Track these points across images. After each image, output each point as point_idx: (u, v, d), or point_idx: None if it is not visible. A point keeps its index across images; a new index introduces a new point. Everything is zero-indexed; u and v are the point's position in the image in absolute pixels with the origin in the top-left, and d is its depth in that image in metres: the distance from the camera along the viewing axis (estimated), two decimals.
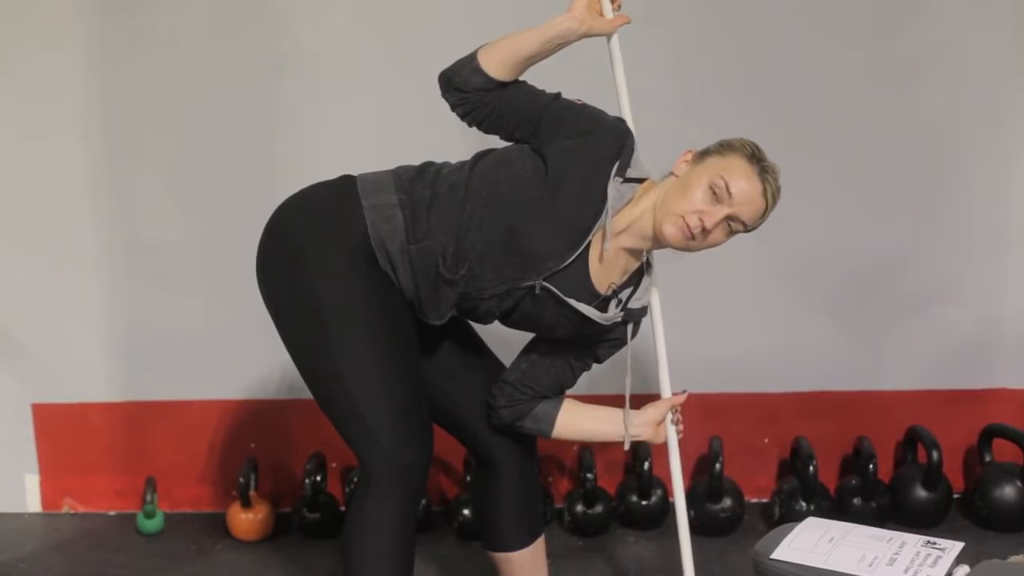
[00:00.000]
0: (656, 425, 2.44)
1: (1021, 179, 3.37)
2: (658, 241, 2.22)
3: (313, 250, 2.22)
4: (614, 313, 2.29)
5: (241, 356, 3.42)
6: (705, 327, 3.40)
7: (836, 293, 3.42)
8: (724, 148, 2.21)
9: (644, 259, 2.31)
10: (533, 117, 2.21)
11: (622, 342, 2.37)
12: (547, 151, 2.19)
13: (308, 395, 3.43)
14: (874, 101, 3.31)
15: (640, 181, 2.24)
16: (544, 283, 2.21)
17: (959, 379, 3.47)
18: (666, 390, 2.49)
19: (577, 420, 2.42)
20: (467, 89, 2.19)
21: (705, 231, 2.16)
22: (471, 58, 2.18)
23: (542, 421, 2.39)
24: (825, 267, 3.40)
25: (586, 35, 2.20)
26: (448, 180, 2.23)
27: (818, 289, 3.41)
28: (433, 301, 2.26)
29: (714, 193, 2.16)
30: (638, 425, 2.42)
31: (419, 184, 2.24)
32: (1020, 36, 3.28)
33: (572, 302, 2.23)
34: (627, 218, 2.22)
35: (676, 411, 2.47)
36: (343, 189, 2.27)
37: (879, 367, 3.46)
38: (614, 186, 2.18)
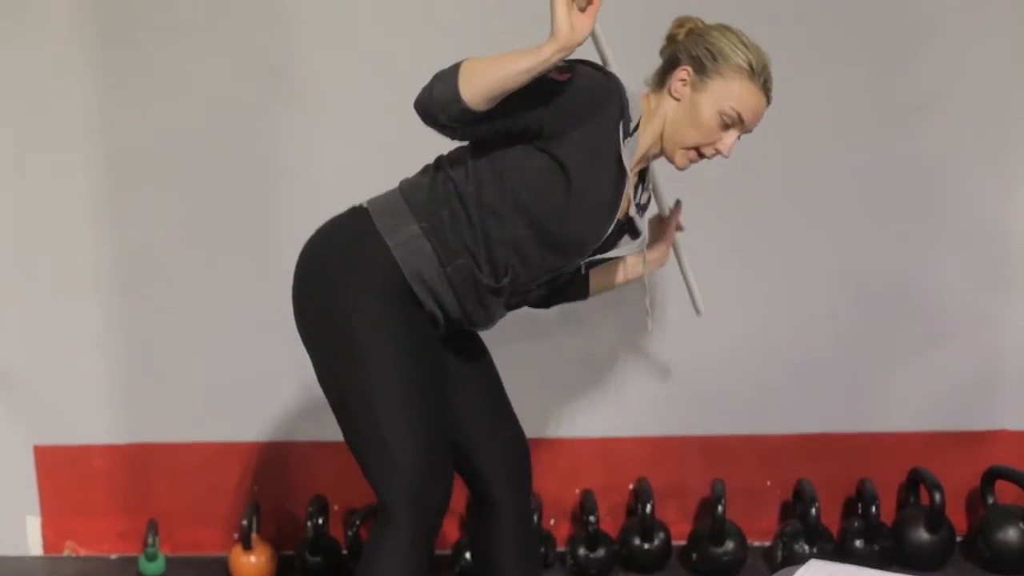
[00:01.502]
0: (666, 252, 2.54)
1: (1021, 219, 3.38)
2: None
3: (346, 288, 2.21)
4: (641, 225, 2.34)
5: (243, 398, 3.42)
6: (707, 368, 3.40)
7: (837, 334, 3.42)
8: (723, 65, 2.19)
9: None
10: (532, 125, 2.12)
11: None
12: (557, 151, 2.13)
13: (310, 437, 3.46)
14: (876, 140, 3.33)
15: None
16: (589, 260, 2.28)
17: (961, 420, 3.47)
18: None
19: (604, 277, 2.51)
20: (455, 125, 2.08)
21: (723, 156, 2.24)
22: (454, 95, 2.00)
23: (579, 288, 2.48)
24: (825, 308, 3.40)
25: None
26: (460, 193, 2.19)
27: (819, 330, 3.42)
28: (481, 311, 2.27)
29: (724, 121, 2.20)
30: (652, 262, 2.50)
31: (433, 204, 2.21)
32: (1020, 72, 3.30)
33: (613, 254, 2.29)
34: (637, 155, 2.24)
35: (679, 227, 2.57)
36: (363, 228, 2.23)
37: (880, 408, 3.46)
38: (626, 151, 2.16)
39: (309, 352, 2.30)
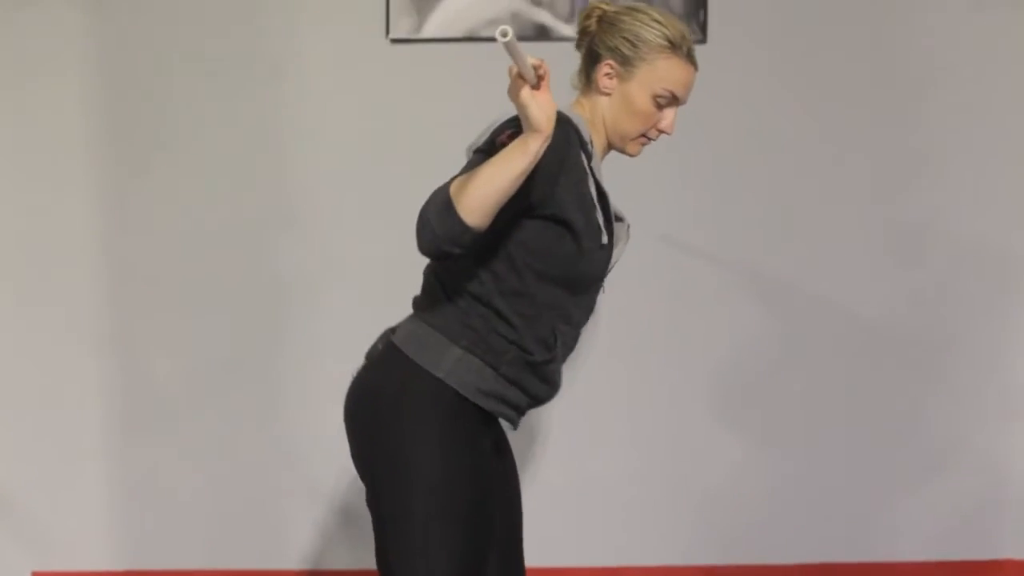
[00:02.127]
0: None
1: (1021, 347, 3.42)
2: None
3: (408, 424, 2.16)
4: (619, 212, 2.30)
5: (245, 525, 3.40)
6: (709, 495, 3.40)
7: (841, 462, 3.43)
8: (643, 49, 2.18)
9: None
10: (521, 205, 2.05)
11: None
12: (549, 211, 2.10)
13: (313, 567, 3.42)
14: (880, 269, 3.38)
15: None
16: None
17: (965, 550, 3.46)
18: None
19: None
20: (466, 250, 2.00)
21: (668, 135, 2.23)
22: (461, 226, 1.92)
23: None
24: (829, 437, 3.42)
25: None
26: (477, 295, 2.16)
27: (824, 459, 3.43)
28: (544, 386, 2.24)
29: (659, 103, 2.19)
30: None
31: (460, 318, 2.17)
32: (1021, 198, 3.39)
33: (618, 253, 2.27)
34: (599, 163, 2.24)
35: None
36: (408, 366, 2.18)
37: (885, 538, 3.45)
38: (595, 171, 2.17)
39: (365, 480, 2.24)
